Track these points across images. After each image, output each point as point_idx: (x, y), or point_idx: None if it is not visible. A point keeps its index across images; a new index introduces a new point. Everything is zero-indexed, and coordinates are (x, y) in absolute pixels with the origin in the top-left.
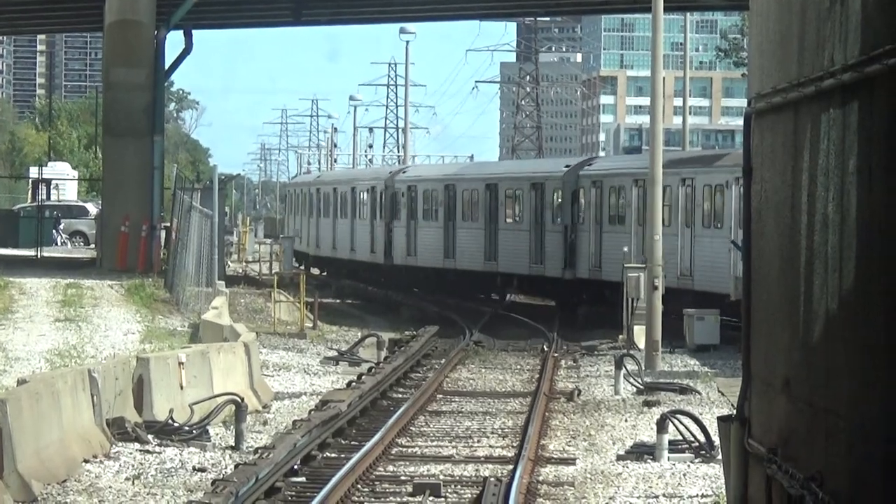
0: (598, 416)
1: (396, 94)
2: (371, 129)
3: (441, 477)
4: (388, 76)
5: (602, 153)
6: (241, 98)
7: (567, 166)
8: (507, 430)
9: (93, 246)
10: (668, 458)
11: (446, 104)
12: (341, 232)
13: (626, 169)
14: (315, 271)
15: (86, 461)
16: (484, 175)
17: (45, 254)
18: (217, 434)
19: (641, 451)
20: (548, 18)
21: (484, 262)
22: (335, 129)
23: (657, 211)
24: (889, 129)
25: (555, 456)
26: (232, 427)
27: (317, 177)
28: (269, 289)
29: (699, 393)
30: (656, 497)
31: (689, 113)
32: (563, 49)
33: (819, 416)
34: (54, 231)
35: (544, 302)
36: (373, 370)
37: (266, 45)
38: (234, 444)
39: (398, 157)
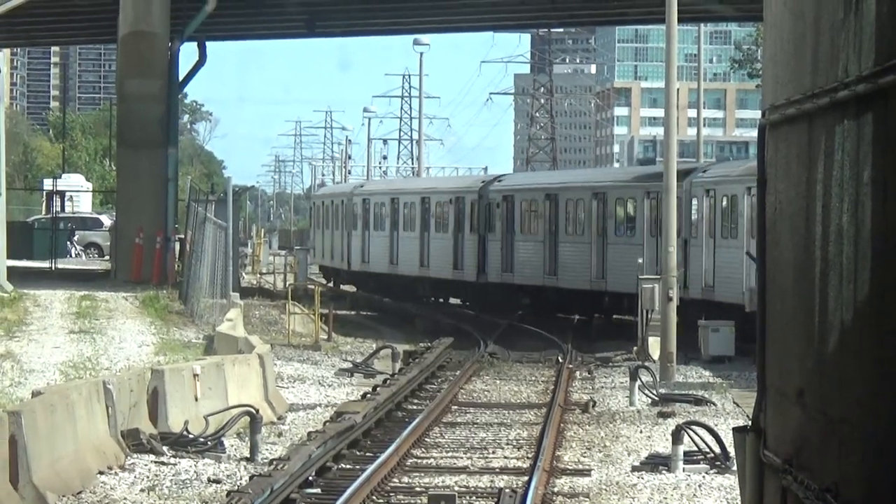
0: (612, 428)
1: (410, 105)
2: (385, 141)
3: (456, 488)
4: (402, 88)
5: (616, 164)
6: (255, 109)
7: (686, 172)
8: (521, 442)
9: (107, 258)
10: (684, 470)
11: (460, 116)
12: (406, 246)
13: (737, 176)
14: (347, 288)
15: (101, 473)
16: (591, 183)
17: (60, 266)
18: (232, 445)
19: (656, 463)
20: (562, 30)
21: (591, 279)
22: (349, 140)
23: (672, 222)
24: None
25: (570, 467)
26: (247, 438)
27: (357, 186)
28: (284, 301)
29: (714, 404)
30: None
31: (704, 124)
32: (577, 60)
33: (834, 426)
34: (69, 243)
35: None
36: (387, 382)
37: (280, 57)
38: (248, 456)
39: (412, 168)
